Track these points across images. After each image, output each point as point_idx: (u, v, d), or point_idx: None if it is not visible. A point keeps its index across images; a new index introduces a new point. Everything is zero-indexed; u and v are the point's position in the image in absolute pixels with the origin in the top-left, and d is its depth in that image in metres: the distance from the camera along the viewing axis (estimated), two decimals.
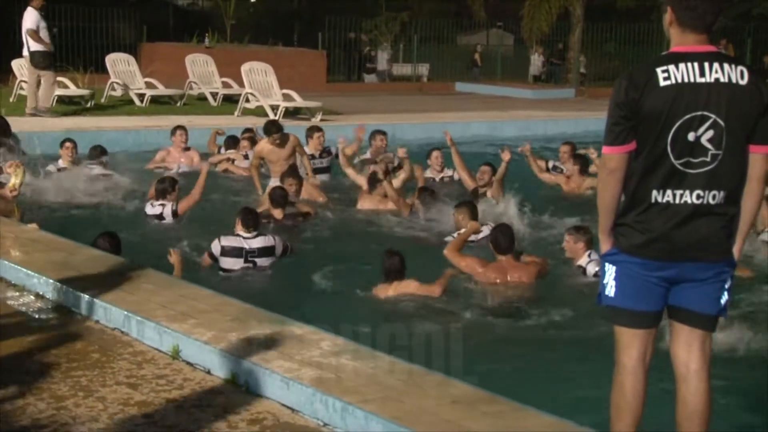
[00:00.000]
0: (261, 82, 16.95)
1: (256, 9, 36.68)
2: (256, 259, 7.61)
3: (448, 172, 11.58)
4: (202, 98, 19.10)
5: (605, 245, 3.72)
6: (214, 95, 18.80)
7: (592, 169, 11.21)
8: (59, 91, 17.16)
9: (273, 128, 10.78)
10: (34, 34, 15.05)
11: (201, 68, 19.54)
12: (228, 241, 7.62)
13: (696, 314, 3.68)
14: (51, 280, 5.88)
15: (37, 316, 5.58)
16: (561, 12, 26.47)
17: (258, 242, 7.64)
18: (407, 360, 4.67)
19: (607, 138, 3.57)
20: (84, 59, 21.21)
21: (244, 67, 17.03)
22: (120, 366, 4.77)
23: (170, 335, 4.97)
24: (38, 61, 15.13)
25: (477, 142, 15.74)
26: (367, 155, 12.14)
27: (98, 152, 11.45)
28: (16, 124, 12.34)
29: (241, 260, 7.58)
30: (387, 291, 6.96)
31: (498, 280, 7.31)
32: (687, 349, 3.71)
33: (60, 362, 4.79)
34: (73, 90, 17.62)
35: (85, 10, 24.51)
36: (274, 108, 16.31)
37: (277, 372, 4.42)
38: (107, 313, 5.40)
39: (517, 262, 7.47)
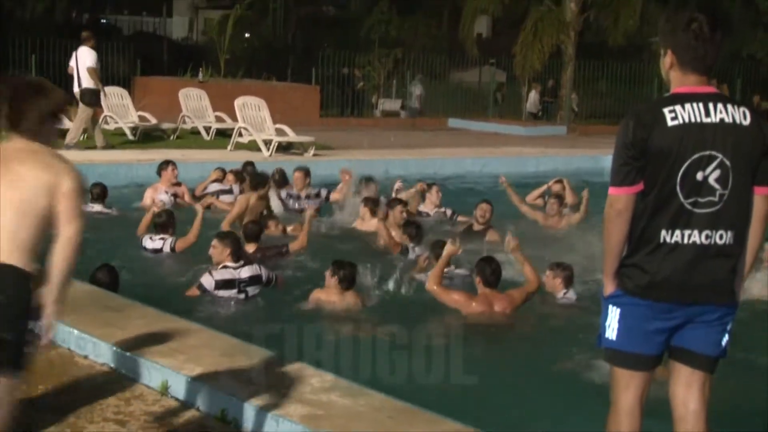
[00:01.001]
0: (254, 116, 16.99)
1: (250, 44, 36.90)
2: (248, 288, 7.69)
3: (443, 209, 11.59)
4: (195, 132, 19.14)
5: (609, 287, 3.67)
6: (208, 129, 18.85)
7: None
8: None
9: (262, 184, 10.56)
10: (94, 72, 15.79)
11: (194, 102, 19.60)
12: (221, 275, 7.65)
13: (697, 355, 3.66)
14: None
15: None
16: (553, 50, 26.68)
17: (246, 271, 7.73)
18: (397, 396, 4.65)
19: (615, 179, 3.54)
20: None
21: (238, 102, 17.08)
22: (108, 402, 4.73)
23: (159, 371, 4.95)
24: (87, 98, 15.76)
25: (469, 178, 15.81)
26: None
27: (99, 190, 11.21)
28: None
29: (235, 290, 7.65)
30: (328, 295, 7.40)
31: (485, 313, 7.33)
32: (686, 390, 3.69)
33: (47, 398, 4.75)
34: (66, 123, 17.61)
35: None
36: (267, 142, 16.35)
37: (267, 408, 4.39)
38: (96, 348, 5.37)
39: (500, 293, 7.50)
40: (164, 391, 4.84)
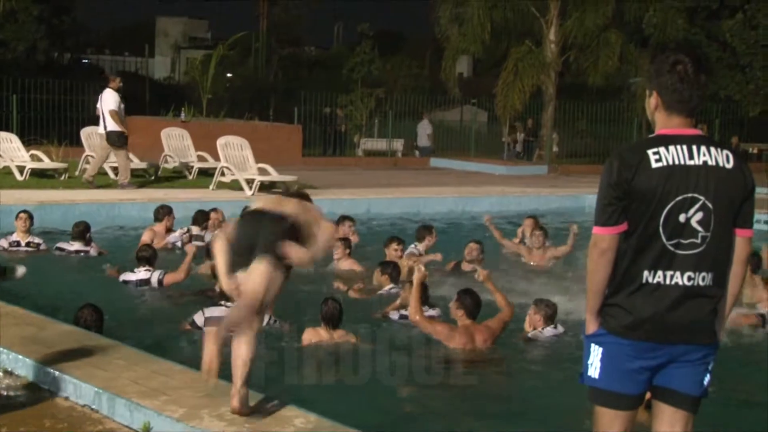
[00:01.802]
0: (236, 156, 17.01)
1: (232, 84, 37.07)
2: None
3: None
4: (177, 171, 19.12)
5: (592, 326, 3.68)
6: (190, 169, 18.83)
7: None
8: (32, 165, 17.14)
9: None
10: (116, 115, 15.84)
11: (177, 142, 19.59)
12: (211, 312, 7.69)
13: (681, 395, 3.66)
14: (20, 356, 5.78)
15: (5, 393, 5.47)
16: (534, 90, 26.93)
17: None
18: None
19: (600, 218, 3.56)
20: (59, 132, 21.27)
21: (220, 141, 17.10)
22: None
23: (141, 412, 4.89)
24: (114, 140, 15.90)
25: (451, 217, 15.84)
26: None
27: (81, 228, 11.09)
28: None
29: None
30: (317, 335, 7.36)
31: (467, 346, 7.35)
32: (670, 429, 3.69)
33: None
34: (47, 163, 17.60)
35: (61, 83, 24.65)
36: (250, 182, 16.34)
37: None
38: (77, 389, 5.31)
39: (480, 324, 7.55)
40: None
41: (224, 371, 5.84)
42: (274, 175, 16.88)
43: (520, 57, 26.42)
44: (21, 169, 16.90)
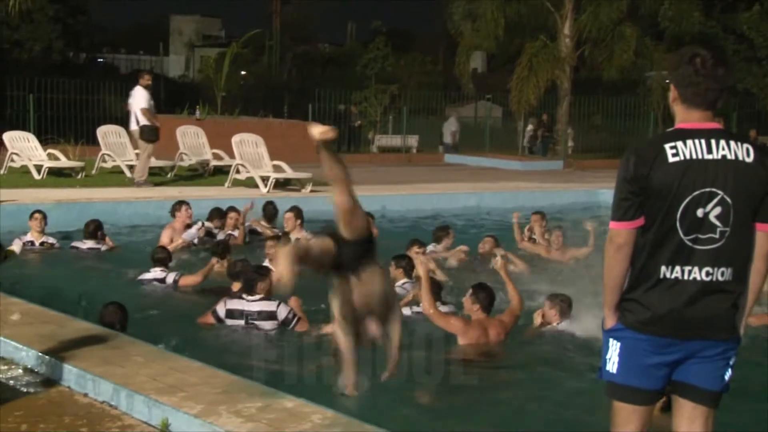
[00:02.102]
0: (251, 153, 17.05)
1: (247, 81, 37.15)
2: (256, 322, 7.72)
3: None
4: (192, 169, 19.18)
5: (610, 321, 3.67)
6: (205, 166, 18.89)
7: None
8: (49, 163, 17.25)
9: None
10: (147, 112, 16.18)
11: (192, 140, 19.66)
12: (232, 304, 7.82)
13: (700, 390, 3.65)
14: (40, 354, 5.83)
15: (25, 390, 5.52)
16: (548, 85, 26.85)
17: (258, 306, 7.75)
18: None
19: (616, 213, 3.56)
20: (75, 131, 21.39)
21: (235, 139, 17.14)
22: None
23: (159, 408, 4.93)
24: (148, 134, 16.21)
25: (466, 213, 15.83)
26: None
27: (92, 229, 11.17)
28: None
29: (242, 321, 7.75)
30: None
31: (481, 339, 7.38)
32: (689, 424, 3.68)
33: None
34: (64, 162, 17.71)
35: (77, 82, 24.77)
36: (265, 179, 16.39)
37: None
38: (96, 386, 5.35)
39: (493, 318, 7.58)
40: (165, 428, 4.82)
41: (237, 369, 5.89)
42: (289, 172, 16.92)
43: (534, 52, 26.33)
44: (38, 168, 17.01)
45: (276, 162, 17.04)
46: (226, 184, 16.83)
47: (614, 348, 3.65)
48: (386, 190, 17.11)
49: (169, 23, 63.42)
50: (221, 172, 18.36)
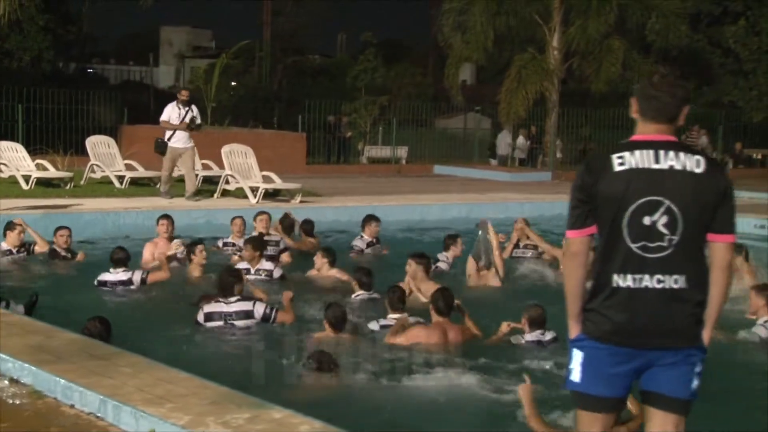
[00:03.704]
0: (241, 164, 17.06)
1: (237, 92, 37.13)
2: (235, 322, 8.06)
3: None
4: (181, 180, 19.15)
5: (573, 330, 3.73)
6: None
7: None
8: (38, 174, 17.21)
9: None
10: (166, 124, 16.27)
11: None
12: (210, 308, 8.14)
13: (668, 398, 3.69)
14: (26, 365, 5.81)
15: (11, 402, 5.50)
16: (537, 97, 26.95)
17: (235, 306, 8.10)
18: None
19: (569, 222, 3.66)
20: (64, 142, 21.36)
21: (225, 149, 17.15)
22: None
23: (147, 419, 4.92)
24: (155, 147, 16.40)
25: (456, 224, 15.85)
26: (361, 240, 12.47)
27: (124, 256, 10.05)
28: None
29: (221, 323, 8.07)
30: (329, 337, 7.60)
31: (441, 339, 7.56)
32: None
33: None
34: (52, 172, 17.68)
35: (67, 92, 24.74)
36: (254, 190, 16.39)
37: None
38: (83, 397, 5.33)
39: (454, 323, 7.76)
40: None
41: (228, 376, 5.89)
42: (278, 183, 16.93)
43: (523, 64, 26.45)
44: (27, 178, 16.98)
45: (265, 173, 17.05)
46: (216, 195, 16.82)
47: (577, 358, 3.72)
48: (376, 201, 17.13)
49: (160, 34, 63.36)
50: (210, 182, 18.36)
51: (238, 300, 8.15)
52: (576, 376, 3.72)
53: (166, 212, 12.19)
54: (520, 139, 29.67)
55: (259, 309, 8.16)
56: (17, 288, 9.42)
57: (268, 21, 42.25)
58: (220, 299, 8.16)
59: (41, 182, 17.14)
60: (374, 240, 12.52)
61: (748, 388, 7.04)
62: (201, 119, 16.57)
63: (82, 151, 19.39)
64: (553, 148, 27.74)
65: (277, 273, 10.23)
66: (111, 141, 19.28)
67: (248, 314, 8.11)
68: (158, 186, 16.73)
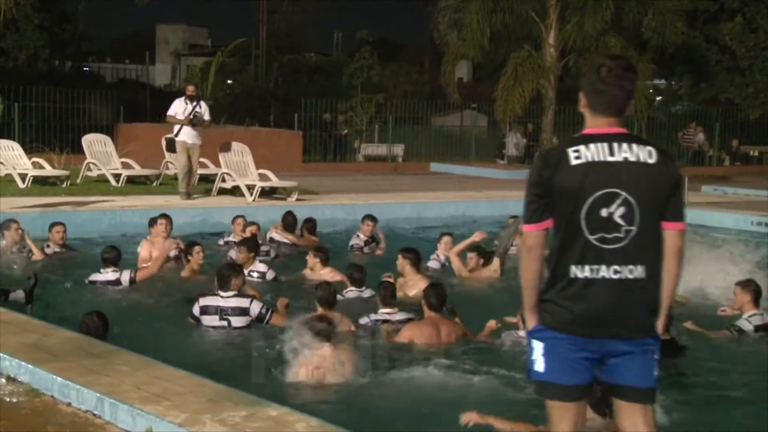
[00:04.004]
0: (237, 161, 17.05)
1: (233, 90, 37.11)
2: (230, 318, 8.02)
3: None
4: (178, 178, 19.14)
5: (531, 322, 3.79)
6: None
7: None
8: (34, 172, 17.20)
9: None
10: (171, 119, 16.06)
11: None
12: (206, 301, 8.11)
13: (631, 389, 3.75)
14: (23, 363, 5.81)
15: (8, 399, 5.50)
16: (533, 95, 26.94)
17: (232, 302, 8.06)
18: None
19: (525, 216, 3.71)
20: (61, 140, 21.34)
21: (221, 147, 17.14)
22: None
23: (144, 417, 4.92)
24: (166, 145, 16.43)
25: (452, 222, 15.86)
26: (358, 239, 12.56)
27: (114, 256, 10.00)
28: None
29: (217, 317, 8.03)
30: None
31: (434, 335, 7.61)
32: (631, 424, 3.77)
33: None
34: (49, 170, 17.66)
35: (63, 91, 24.72)
36: (251, 188, 16.38)
37: None
38: (79, 395, 5.33)
39: (446, 319, 7.81)
40: None
41: (224, 375, 5.89)
42: (274, 181, 16.92)
43: (519, 61, 26.44)
44: (23, 176, 16.97)
45: (262, 171, 17.04)
46: (212, 193, 16.81)
47: (538, 349, 3.76)
48: (373, 199, 17.13)
49: (156, 32, 63.29)
50: (207, 180, 18.36)
51: (235, 296, 8.11)
52: (539, 366, 3.75)
53: (164, 211, 12.17)
54: (517, 137, 29.69)
55: (255, 308, 8.11)
56: (15, 282, 9.42)
57: (264, 19, 42.20)
58: (217, 293, 8.11)
59: (38, 180, 17.13)
60: (370, 239, 12.57)
61: (734, 383, 7.09)
62: (209, 116, 16.35)
63: (78, 150, 19.37)
64: (550, 145, 27.75)
65: (270, 275, 10.22)
66: (107, 139, 19.26)
67: (244, 311, 8.05)
68: (155, 183, 16.60)
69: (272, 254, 11.85)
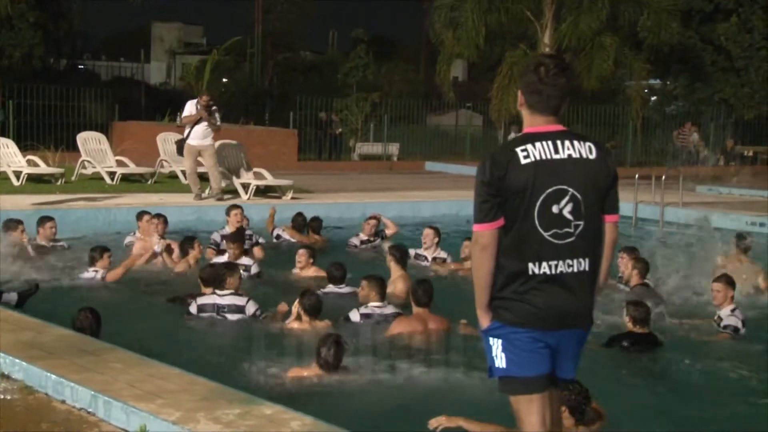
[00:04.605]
0: (231, 161, 17.04)
1: (228, 89, 37.07)
2: (226, 315, 8.22)
3: (442, 253, 11.54)
4: (173, 176, 19.14)
5: (484, 320, 3.85)
6: (185, 173, 18.82)
7: None
8: (29, 170, 17.17)
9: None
10: (186, 119, 15.97)
11: (172, 147, 19.58)
12: (203, 300, 8.34)
13: (562, 380, 3.94)
14: (17, 360, 5.80)
15: (2, 397, 5.49)
16: None
17: (228, 300, 8.27)
18: None
19: (478, 216, 3.77)
20: (55, 138, 21.31)
21: (216, 146, 17.11)
22: None
23: (138, 415, 4.91)
24: (178, 150, 16.36)
25: (446, 221, 15.86)
26: (357, 238, 12.66)
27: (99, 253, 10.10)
28: None
29: (214, 314, 8.26)
30: (301, 326, 7.84)
31: (420, 329, 7.72)
32: (554, 408, 3.95)
33: None
34: (43, 168, 17.63)
35: (57, 89, 24.68)
36: (246, 186, 16.36)
37: None
38: (74, 392, 5.33)
39: (433, 314, 7.92)
40: None
41: (218, 373, 5.89)
42: (269, 180, 16.91)
43: (515, 61, 26.41)
44: (17, 174, 16.94)
45: (257, 169, 17.03)
46: (207, 191, 16.79)
47: (496, 346, 3.83)
48: (367, 198, 17.14)
49: (151, 30, 63.17)
50: (202, 178, 18.31)
51: (231, 294, 8.28)
52: (500, 362, 3.82)
53: (159, 209, 12.17)
54: (512, 137, 29.71)
55: (251, 308, 8.29)
56: (5, 280, 9.41)
57: (259, 17, 42.18)
58: (215, 291, 8.31)
59: (32, 178, 17.10)
60: (372, 237, 12.62)
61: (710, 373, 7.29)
62: (219, 122, 16.29)
63: (73, 147, 19.35)
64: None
65: (254, 269, 10.26)
66: (102, 137, 19.24)
67: (240, 309, 8.24)
68: (149, 182, 16.74)
69: (255, 239, 11.99)
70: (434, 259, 11.45)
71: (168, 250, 10.90)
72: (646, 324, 7.61)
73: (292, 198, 16.47)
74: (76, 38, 39.47)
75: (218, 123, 16.11)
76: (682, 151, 31.24)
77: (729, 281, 8.46)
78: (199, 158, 16.13)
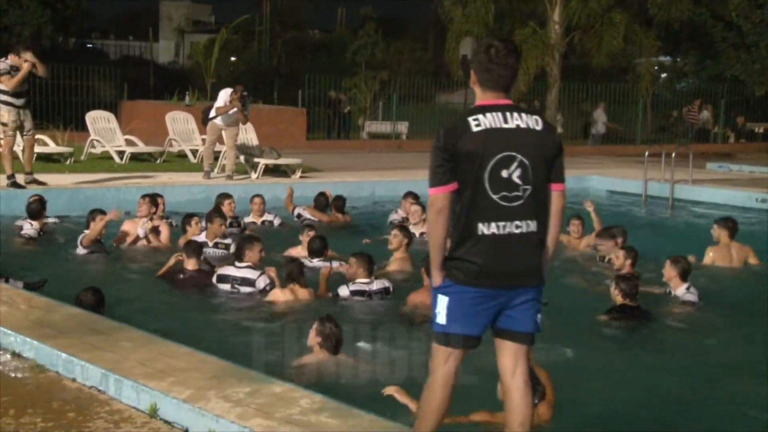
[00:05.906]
0: (241, 139, 17.02)
1: (237, 67, 37.02)
2: (239, 287, 8.54)
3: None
4: (182, 155, 19.15)
5: (438, 279, 4.08)
6: (194, 152, 18.86)
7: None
8: (38, 149, 17.17)
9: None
10: (220, 109, 15.61)
11: (181, 126, 19.63)
12: (223, 270, 8.75)
13: (519, 333, 4.14)
14: (27, 339, 5.83)
15: (13, 375, 5.52)
16: (538, 72, 26.84)
17: (243, 272, 8.58)
18: (386, 417, 4.66)
19: (432, 180, 4.02)
20: (64, 117, 21.32)
21: None
22: (97, 425, 4.72)
23: (148, 393, 4.94)
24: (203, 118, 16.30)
25: None
26: (396, 215, 12.75)
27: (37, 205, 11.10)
28: None
29: (228, 286, 8.59)
30: (284, 294, 8.15)
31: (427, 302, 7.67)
32: (513, 362, 4.15)
33: (36, 422, 4.74)
34: (52, 147, 17.65)
35: (67, 67, 24.67)
36: (254, 165, 16.36)
37: (256, 430, 4.39)
38: (84, 371, 5.35)
39: None
40: (153, 413, 4.83)
41: (229, 352, 5.91)
42: (278, 159, 16.89)
43: (524, 38, 26.30)
44: None
45: (266, 147, 17.01)
46: (216, 170, 16.80)
47: (443, 302, 4.07)
48: (376, 176, 17.13)
49: (159, 9, 63.02)
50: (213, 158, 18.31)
51: (248, 267, 8.60)
52: (442, 319, 4.07)
53: (167, 188, 12.22)
54: None
55: (261, 282, 8.51)
56: (16, 264, 9.44)
57: None
58: (235, 263, 8.70)
59: (41, 157, 17.10)
60: (406, 217, 12.49)
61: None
62: (196, 95, 16.28)
63: (81, 127, 19.35)
64: (554, 122, 27.67)
65: (233, 248, 10.26)
66: (111, 116, 19.24)
67: (251, 282, 8.51)
68: (158, 161, 16.65)
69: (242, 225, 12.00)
70: (422, 234, 11.42)
71: (155, 231, 10.89)
72: (634, 297, 7.95)
73: (301, 176, 16.46)
74: (84, 17, 39.38)
75: (248, 113, 15.90)
76: (691, 128, 31.11)
77: (674, 260, 8.68)
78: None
